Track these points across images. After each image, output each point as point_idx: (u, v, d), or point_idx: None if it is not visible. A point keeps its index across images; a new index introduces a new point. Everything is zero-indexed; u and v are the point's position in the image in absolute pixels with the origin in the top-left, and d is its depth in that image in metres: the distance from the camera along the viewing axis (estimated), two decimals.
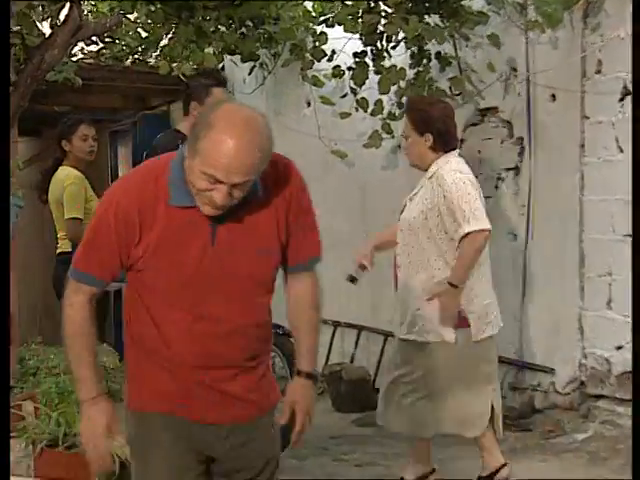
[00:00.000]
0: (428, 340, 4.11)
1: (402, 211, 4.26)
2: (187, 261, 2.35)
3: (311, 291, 2.55)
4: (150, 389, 2.42)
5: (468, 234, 3.98)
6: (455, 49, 5.49)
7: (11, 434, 3.47)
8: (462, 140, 5.73)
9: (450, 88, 5.57)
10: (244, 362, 2.44)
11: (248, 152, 2.21)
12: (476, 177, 5.65)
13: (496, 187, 5.62)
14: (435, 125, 4.12)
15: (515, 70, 5.47)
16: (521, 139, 5.49)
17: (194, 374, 2.39)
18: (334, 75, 5.88)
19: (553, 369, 5.37)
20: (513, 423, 5.34)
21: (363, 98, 5.67)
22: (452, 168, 4.10)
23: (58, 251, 5.55)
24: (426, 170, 4.19)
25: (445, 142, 4.15)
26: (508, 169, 5.58)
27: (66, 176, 5.46)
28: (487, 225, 4.00)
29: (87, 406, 2.41)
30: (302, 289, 2.54)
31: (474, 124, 5.72)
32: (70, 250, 5.46)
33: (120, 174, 8.66)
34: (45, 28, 5.06)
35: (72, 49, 5.70)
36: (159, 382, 2.40)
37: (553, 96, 5.33)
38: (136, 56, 6.77)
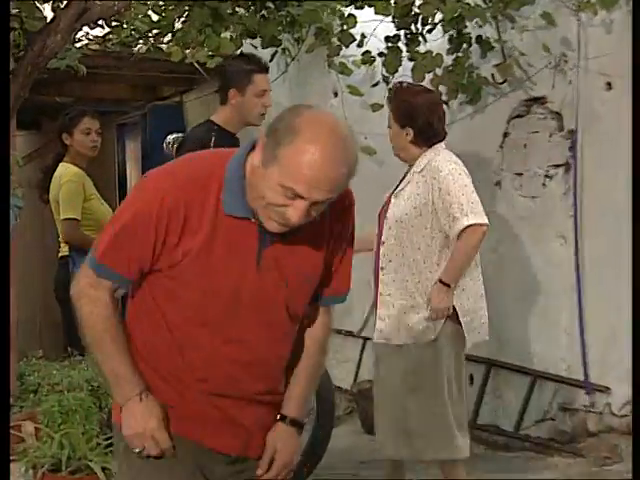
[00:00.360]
0: (421, 341, 4.15)
1: (385, 209, 4.28)
2: (227, 275, 2.27)
3: (320, 334, 2.47)
4: None
5: (466, 228, 4.01)
6: (498, 32, 5.41)
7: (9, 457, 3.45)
8: (506, 134, 5.67)
9: (493, 76, 5.52)
10: (257, 395, 2.38)
11: (335, 166, 2.13)
12: (521, 174, 5.70)
13: (544, 185, 5.55)
14: (417, 120, 4.20)
15: (566, 55, 5.41)
16: (572, 132, 5.43)
17: (203, 394, 2.33)
18: (364, 62, 5.84)
19: (608, 388, 5.30)
20: (564, 448, 5.26)
21: None
22: (445, 159, 4.17)
23: (60, 254, 5.56)
24: (409, 162, 4.25)
25: (428, 137, 4.22)
26: (557, 165, 5.51)
27: (63, 173, 5.46)
28: (485, 220, 4.06)
29: (133, 404, 2.32)
30: (311, 328, 2.45)
31: (519, 116, 5.64)
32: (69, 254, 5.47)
33: (128, 171, 8.66)
34: (47, 11, 5.05)
35: (76, 34, 5.68)
36: (160, 394, 2.34)
37: (608, 84, 5.26)
38: (146, 41, 6.74)
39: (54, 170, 5.54)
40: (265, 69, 4.55)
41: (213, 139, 4.36)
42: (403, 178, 4.33)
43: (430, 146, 4.21)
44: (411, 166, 4.25)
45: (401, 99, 4.27)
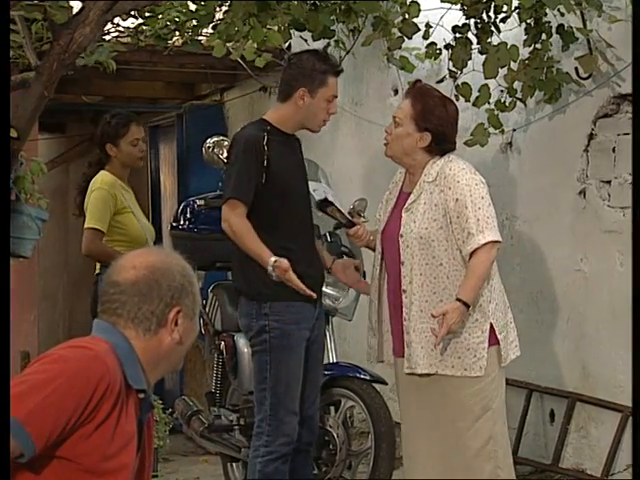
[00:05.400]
0: (461, 374, 4.32)
1: (392, 226, 4.43)
2: None
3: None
4: None
5: (484, 245, 4.26)
6: (583, 21, 5.35)
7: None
8: (591, 136, 5.60)
9: (576, 70, 5.47)
10: None
11: None
12: (608, 182, 5.64)
13: None
14: (440, 129, 4.38)
15: None
16: None
17: None
18: (428, 55, 5.80)
19: None
20: None
21: (465, 84, 5.58)
22: (460, 167, 4.38)
23: (96, 271, 5.66)
24: (407, 167, 4.47)
25: (443, 148, 4.44)
26: None
27: (96, 180, 5.59)
28: (499, 237, 4.35)
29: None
30: None
31: (607, 115, 5.55)
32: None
33: (162, 179, 8.72)
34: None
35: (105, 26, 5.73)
36: None
37: None
38: (182, 34, 6.78)
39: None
40: (339, 72, 4.59)
41: (266, 139, 4.40)
42: (400, 189, 4.51)
43: (441, 155, 4.41)
44: (412, 174, 4.44)
45: (428, 102, 4.40)
